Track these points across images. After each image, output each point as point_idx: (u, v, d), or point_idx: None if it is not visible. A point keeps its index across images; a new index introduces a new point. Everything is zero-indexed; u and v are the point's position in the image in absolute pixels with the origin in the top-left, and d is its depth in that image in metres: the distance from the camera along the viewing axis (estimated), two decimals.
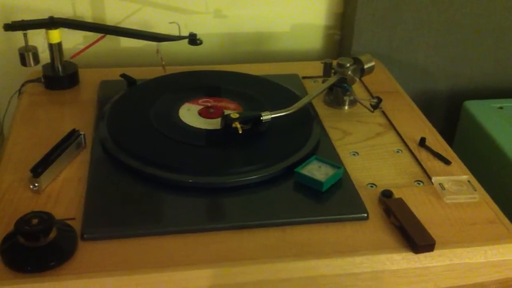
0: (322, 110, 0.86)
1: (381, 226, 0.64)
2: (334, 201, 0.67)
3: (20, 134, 0.77)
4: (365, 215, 0.65)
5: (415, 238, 0.61)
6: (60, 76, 0.88)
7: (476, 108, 1.01)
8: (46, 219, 0.58)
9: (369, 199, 0.68)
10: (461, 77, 1.08)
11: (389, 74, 0.98)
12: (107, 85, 0.88)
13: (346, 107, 0.87)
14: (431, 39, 1.04)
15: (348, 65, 0.85)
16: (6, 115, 0.88)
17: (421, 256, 0.61)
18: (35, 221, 0.58)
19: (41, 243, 0.57)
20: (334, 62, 0.87)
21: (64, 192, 0.67)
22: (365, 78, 0.91)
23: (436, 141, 0.80)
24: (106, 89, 0.87)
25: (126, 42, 1.01)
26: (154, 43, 0.90)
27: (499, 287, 0.65)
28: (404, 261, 0.61)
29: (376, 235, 0.63)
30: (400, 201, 0.66)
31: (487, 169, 0.94)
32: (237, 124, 0.72)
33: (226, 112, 0.77)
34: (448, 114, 1.10)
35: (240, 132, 0.71)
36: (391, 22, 1.02)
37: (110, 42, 0.99)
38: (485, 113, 1.00)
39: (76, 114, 0.83)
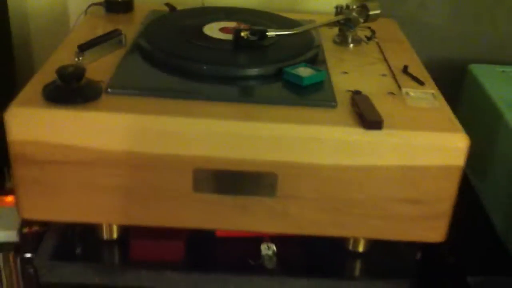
0: (330, 46, 0.99)
1: (345, 114, 0.77)
2: (311, 93, 0.81)
3: (80, 34, 0.96)
4: (334, 103, 0.78)
5: (366, 116, 0.74)
6: (118, 2, 1.08)
7: (480, 71, 1.11)
8: (80, 68, 0.77)
9: (344, 100, 0.80)
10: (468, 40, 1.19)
11: (398, 28, 1.10)
12: (155, 13, 1.07)
13: (351, 45, 1.00)
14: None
15: (354, 7, 0.98)
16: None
17: (372, 132, 0.74)
18: (71, 69, 0.76)
19: (73, 85, 0.75)
20: None
21: (100, 70, 0.84)
22: (376, 30, 1.04)
23: (421, 75, 0.91)
24: (153, 15, 1.05)
25: None
26: None
27: (441, 172, 0.75)
28: (357, 135, 0.74)
29: (339, 118, 0.76)
30: (365, 96, 0.79)
31: (484, 128, 1.03)
32: (245, 33, 0.88)
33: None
34: (454, 78, 1.19)
35: (244, 36, 0.87)
36: None
37: None
38: (488, 75, 1.09)
39: (127, 29, 1.01)
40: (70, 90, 0.75)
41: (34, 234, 1.01)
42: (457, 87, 1.17)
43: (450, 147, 0.74)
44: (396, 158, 0.75)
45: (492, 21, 1.17)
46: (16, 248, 1.01)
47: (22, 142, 0.74)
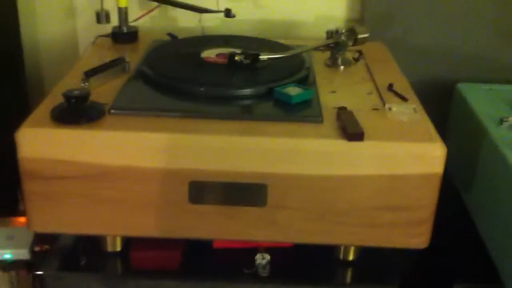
0: (321, 68, 1.05)
1: (331, 129, 0.82)
2: (299, 110, 0.87)
3: (88, 62, 1.03)
4: (320, 118, 0.84)
5: (349, 128, 0.79)
6: (124, 33, 1.15)
7: (467, 89, 1.16)
8: (84, 92, 0.83)
9: (330, 116, 0.86)
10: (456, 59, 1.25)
11: (386, 50, 1.16)
12: (158, 42, 1.14)
13: (341, 67, 1.06)
14: (433, 24, 1.22)
15: (343, 31, 1.05)
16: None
17: (354, 143, 0.79)
18: (76, 92, 0.83)
19: (78, 107, 0.82)
20: None
21: (104, 94, 0.90)
22: (365, 52, 1.11)
23: (405, 92, 0.96)
24: (156, 44, 1.13)
25: (176, 19, 1.28)
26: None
27: (421, 180, 0.80)
28: (341, 147, 0.79)
29: (325, 132, 0.82)
30: (349, 112, 0.85)
31: (471, 143, 1.07)
32: (238, 57, 0.94)
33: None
34: (443, 97, 1.25)
35: (237, 59, 0.93)
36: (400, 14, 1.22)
37: (163, 16, 1.27)
38: (474, 94, 1.14)
39: (131, 57, 1.08)
40: (75, 111, 0.82)
41: (45, 252, 1.08)
42: (445, 106, 1.23)
43: (428, 156, 0.79)
44: (378, 167, 0.80)
45: (477, 41, 1.23)
46: (28, 266, 1.08)
47: (31, 159, 0.81)
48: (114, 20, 1.17)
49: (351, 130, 0.79)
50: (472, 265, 0.98)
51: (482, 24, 1.23)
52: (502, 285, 0.90)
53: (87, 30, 1.29)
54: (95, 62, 1.01)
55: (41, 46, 1.31)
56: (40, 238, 1.10)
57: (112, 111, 0.84)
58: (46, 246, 1.08)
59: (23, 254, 1.07)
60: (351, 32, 1.05)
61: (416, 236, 0.84)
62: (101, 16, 1.14)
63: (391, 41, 1.21)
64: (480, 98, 1.12)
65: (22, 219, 1.17)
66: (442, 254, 1.02)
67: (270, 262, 0.90)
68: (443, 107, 1.23)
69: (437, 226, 0.87)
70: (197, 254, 0.93)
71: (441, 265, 1.00)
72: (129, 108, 0.85)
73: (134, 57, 1.06)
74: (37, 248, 1.09)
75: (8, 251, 1.07)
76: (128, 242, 0.93)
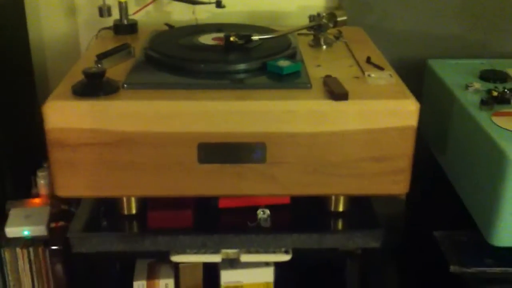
0: (306, 49, 1.17)
1: (319, 93, 0.95)
2: (290, 79, 0.99)
3: (94, 51, 1.13)
4: (309, 85, 0.96)
5: (334, 90, 0.91)
6: (125, 25, 1.27)
7: (436, 64, 1.29)
8: (101, 68, 0.95)
9: (318, 85, 0.98)
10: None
11: (364, 33, 1.29)
12: (156, 32, 1.25)
13: (324, 47, 1.19)
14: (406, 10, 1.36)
15: (324, 14, 1.17)
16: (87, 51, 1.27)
17: (340, 103, 0.91)
18: (94, 69, 0.94)
19: (96, 82, 0.93)
20: None
21: (116, 74, 1.01)
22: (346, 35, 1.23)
23: (382, 63, 1.09)
24: (156, 33, 1.24)
25: (170, 13, 1.39)
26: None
27: (398, 132, 0.92)
28: (328, 106, 0.91)
29: (314, 95, 0.94)
30: (334, 78, 0.97)
31: (442, 110, 1.20)
32: (233, 37, 1.06)
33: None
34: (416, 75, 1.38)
35: (232, 39, 1.05)
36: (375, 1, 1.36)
37: (158, 10, 1.39)
38: (442, 67, 1.28)
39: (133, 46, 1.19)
40: (94, 86, 0.93)
41: (61, 228, 1.17)
42: (419, 83, 1.35)
43: (403, 110, 0.92)
44: (362, 123, 0.92)
45: (446, 23, 1.37)
46: (45, 242, 1.17)
47: (57, 129, 0.91)
48: (115, 15, 1.29)
49: (337, 91, 0.91)
50: (449, 215, 1.10)
51: (450, 8, 1.36)
52: (477, 231, 1.02)
53: (87, 27, 1.40)
54: (100, 51, 1.12)
55: (45, 43, 1.41)
56: (55, 215, 1.20)
57: (125, 85, 0.95)
58: (62, 223, 1.18)
59: (41, 230, 1.17)
60: (331, 15, 1.18)
61: (397, 183, 0.96)
62: (103, 10, 1.26)
63: (368, 27, 1.34)
64: (448, 71, 1.25)
65: (36, 200, 1.27)
66: (423, 207, 1.13)
67: (271, 217, 1.02)
68: (416, 84, 1.35)
69: (418, 184, 0.99)
70: (205, 214, 1.04)
71: (422, 215, 1.12)
72: (141, 83, 0.97)
73: (136, 46, 1.17)
74: (53, 225, 1.19)
75: (26, 228, 1.17)
76: (142, 206, 1.04)
